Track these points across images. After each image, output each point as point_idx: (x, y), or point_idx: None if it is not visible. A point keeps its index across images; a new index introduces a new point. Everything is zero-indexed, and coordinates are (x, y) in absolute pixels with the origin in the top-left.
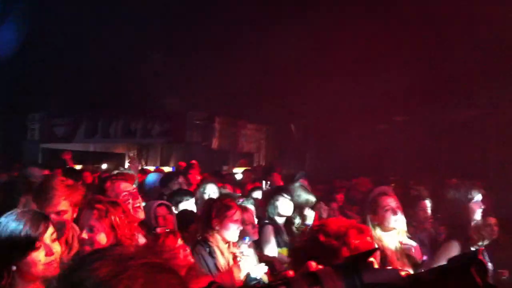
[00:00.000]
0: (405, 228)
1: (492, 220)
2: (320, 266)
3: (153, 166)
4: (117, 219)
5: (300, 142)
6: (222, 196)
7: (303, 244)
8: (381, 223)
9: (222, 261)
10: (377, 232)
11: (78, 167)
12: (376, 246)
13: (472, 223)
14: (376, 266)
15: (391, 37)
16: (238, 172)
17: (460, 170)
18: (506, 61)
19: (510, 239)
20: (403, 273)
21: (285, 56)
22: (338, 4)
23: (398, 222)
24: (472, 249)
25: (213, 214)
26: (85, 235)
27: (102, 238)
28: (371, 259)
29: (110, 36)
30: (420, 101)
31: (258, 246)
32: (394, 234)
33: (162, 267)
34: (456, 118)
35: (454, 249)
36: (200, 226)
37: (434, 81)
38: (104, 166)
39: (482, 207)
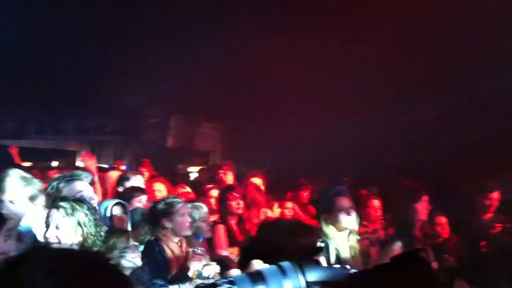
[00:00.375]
0: (357, 228)
1: (442, 220)
2: (266, 265)
3: (106, 164)
4: (83, 216)
5: (256, 141)
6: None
7: (250, 242)
8: (335, 223)
9: (172, 260)
10: (331, 232)
11: (27, 164)
12: (329, 245)
13: (418, 223)
14: (322, 264)
15: (347, 37)
16: (193, 171)
17: (412, 171)
18: (459, 64)
19: (459, 239)
20: (348, 271)
21: (242, 54)
22: (293, 4)
23: (351, 223)
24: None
25: (161, 213)
26: (50, 233)
27: (68, 236)
28: (317, 257)
29: (63, 31)
30: (375, 102)
31: (210, 245)
32: (347, 234)
33: (104, 267)
34: (411, 119)
35: (398, 249)
36: (149, 226)
37: (389, 82)
38: (54, 163)
39: (429, 207)
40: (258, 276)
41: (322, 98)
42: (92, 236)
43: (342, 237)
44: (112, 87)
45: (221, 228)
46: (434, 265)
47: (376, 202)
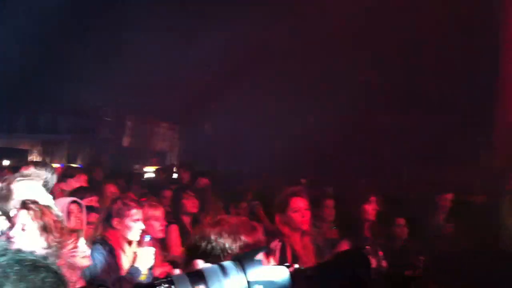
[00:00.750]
0: (311, 228)
1: (401, 221)
2: (208, 264)
3: (59, 163)
4: (50, 222)
5: (213, 141)
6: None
7: (195, 242)
8: (290, 223)
9: (122, 260)
10: (286, 231)
11: None
12: (285, 244)
13: (367, 223)
14: (265, 263)
15: (307, 37)
16: (150, 171)
17: (369, 172)
18: (418, 69)
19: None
20: (290, 269)
21: (199, 56)
22: (250, 4)
23: (305, 223)
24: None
25: (113, 213)
26: (15, 232)
27: (32, 239)
28: (259, 257)
29: (16, 28)
30: (334, 103)
31: (163, 245)
32: (302, 233)
33: (36, 265)
34: (370, 121)
35: (345, 247)
36: (101, 225)
37: (350, 84)
38: (6, 162)
39: (376, 208)
40: (198, 276)
41: (282, 98)
42: (55, 243)
43: (297, 237)
44: (66, 85)
45: (174, 228)
46: (383, 264)
47: (330, 202)
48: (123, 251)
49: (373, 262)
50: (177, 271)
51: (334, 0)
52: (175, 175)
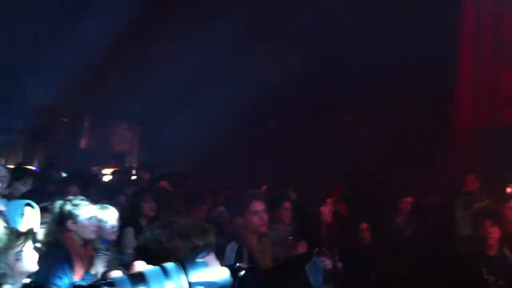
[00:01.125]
0: (269, 231)
1: (363, 225)
2: (149, 266)
3: (14, 165)
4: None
5: (174, 143)
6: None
7: (145, 242)
8: (248, 226)
9: (76, 263)
10: (244, 234)
11: None
12: (243, 247)
13: (324, 225)
14: (209, 264)
15: (255, 38)
16: (108, 173)
17: (328, 174)
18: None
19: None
20: (242, 271)
21: (156, 57)
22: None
23: (263, 225)
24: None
25: (66, 215)
26: None
27: None
28: (201, 258)
29: None
30: (293, 107)
31: (120, 248)
32: (260, 236)
33: None
34: (329, 125)
35: (302, 249)
36: (54, 228)
37: (308, 89)
38: None
39: (332, 210)
40: (139, 278)
41: (243, 102)
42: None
43: (255, 239)
44: (21, 85)
45: (130, 231)
46: (339, 265)
47: (287, 205)
48: (78, 254)
49: (329, 264)
50: (119, 273)
51: None
52: (134, 177)
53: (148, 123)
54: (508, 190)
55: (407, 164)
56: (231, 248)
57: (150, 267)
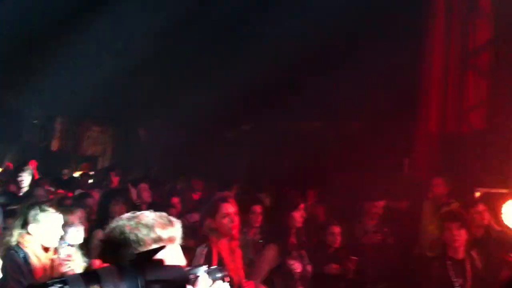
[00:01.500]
0: (239, 233)
1: (335, 229)
2: (106, 264)
3: None
4: None
5: (147, 146)
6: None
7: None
8: (218, 228)
9: (38, 267)
10: (214, 236)
11: None
12: (212, 249)
13: (293, 230)
14: (164, 263)
15: (230, 42)
16: (78, 176)
17: (299, 179)
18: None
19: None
20: (189, 271)
21: (131, 56)
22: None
23: (233, 228)
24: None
25: (28, 219)
26: None
27: None
28: (158, 256)
29: None
30: (265, 111)
31: (88, 251)
32: (229, 238)
33: None
34: (300, 129)
35: (271, 252)
36: (15, 231)
37: (279, 92)
38: None
39: (303, 215)
40: (93, 276)
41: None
42: None
43: (225, 242)
44: None
45: (99, 234)
46: (308, 268)
47: (257, 208)
48: (38, 258)
49: (298, 267)
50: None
51: None
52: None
53: (121, 125)
54: (476, 194)
55: (375, 169)
56: (200, 251)
57: (105, 265)
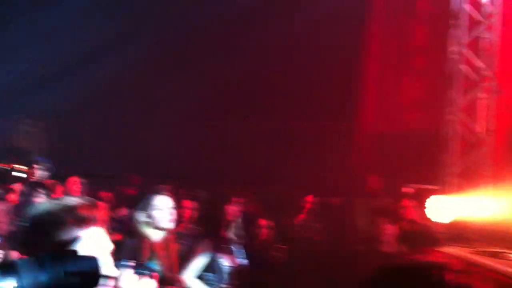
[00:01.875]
0: (173, 227)
1: (263, 222)
2: (24, 256)
3: None
4: None
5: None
6: None
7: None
8: (151, 221)
9: None
10: (146, 230)
11: None
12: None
13: (225, 223)
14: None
15: (190, 39)
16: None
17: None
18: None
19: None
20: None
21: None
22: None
23: (167, 222)
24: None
25: None
26: None
27: None
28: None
29: None
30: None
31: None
32: (163, 232)
33: None
34: (233, 125)
35: (204, 247)
36: None
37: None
38: None
39: (240, 209)
40: (10, 268)
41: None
42: None
43: (158, 235)
44: None
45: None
46: (239, 262)
47: (188, 203)
48: None
49: (229, 262)
50: None
51: None
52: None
53: (53, 119)
54: (405, 190)
55: (310, 165)
56: (130, 244)
57: (23, 257)
